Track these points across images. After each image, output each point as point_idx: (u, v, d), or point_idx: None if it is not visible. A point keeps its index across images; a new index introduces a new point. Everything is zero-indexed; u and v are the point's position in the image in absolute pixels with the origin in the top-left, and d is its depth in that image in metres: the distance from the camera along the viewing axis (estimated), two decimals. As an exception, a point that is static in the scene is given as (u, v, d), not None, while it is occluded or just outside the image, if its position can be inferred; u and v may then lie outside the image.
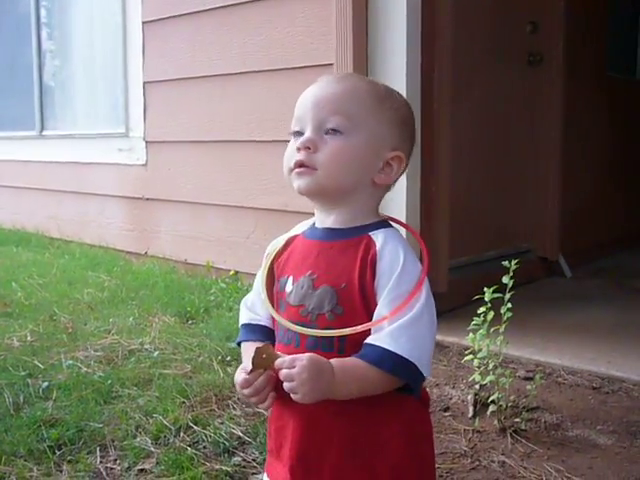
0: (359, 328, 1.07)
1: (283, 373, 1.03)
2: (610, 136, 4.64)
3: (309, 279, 1.13)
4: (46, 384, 2.33)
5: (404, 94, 2.97)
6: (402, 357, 1.05)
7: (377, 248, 1.10)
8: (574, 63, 3.97)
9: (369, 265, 1.09)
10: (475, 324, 2.08)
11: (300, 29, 3.24)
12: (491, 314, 2.05)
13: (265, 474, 1.24)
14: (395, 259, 1.09)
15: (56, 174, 5.02)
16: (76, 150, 4.84)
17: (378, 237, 1.12)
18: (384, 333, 1.06)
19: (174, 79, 3.99)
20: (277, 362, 1.04)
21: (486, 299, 2.05)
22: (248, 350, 1.18)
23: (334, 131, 1.11)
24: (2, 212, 5.58)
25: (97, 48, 4.85)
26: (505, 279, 2.03)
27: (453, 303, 3.09)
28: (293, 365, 1.02)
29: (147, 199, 4.23)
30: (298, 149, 1.13)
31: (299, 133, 1.14)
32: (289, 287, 1.15)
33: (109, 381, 2.35)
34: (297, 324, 1.11)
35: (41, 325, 2.97)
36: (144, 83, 4.18)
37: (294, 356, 1.03)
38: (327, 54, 3.01)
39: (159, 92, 4.12)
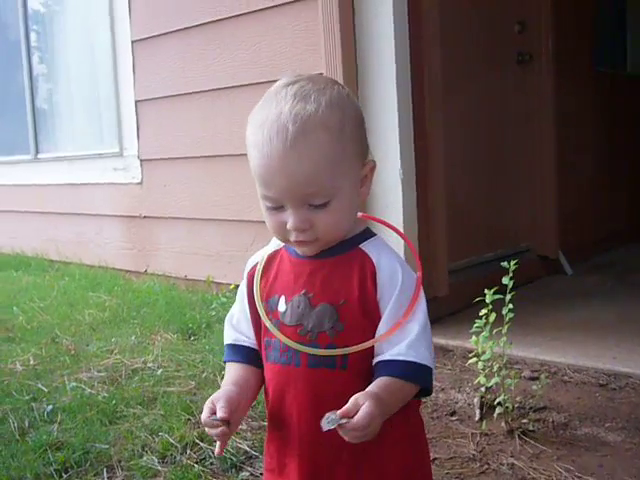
0: (366, 345, 1.07)
1: (356, 436, 0.99)
2: (603, 131, 4.65)
3: (305, 298, 1.11)
4: (50, 407, 2.32)
5: (395, 100, 2.96)
6: (425, 365, 1.08)
7: (374, 261, 1.10)
8: (563, 60, 3.99)
9: (369, 279, 1.09)
10: (477, 326, 2.07)
11: (288, 41, 3.24)
12: (493, 316, 2.04)
13: None
14: (394, 272, 1.09)
15: (53, 196, 5.02)
16: (72, 171, 4.84)
17: (370, 250, 1.12)
18: (404, 346, 1.07)
19: (166, 96, 3.99)
20: (349, 426, 0.98)
21: (487, 301, 2.04)
22: (230, 372, 1.19)
23: (321, 205, 1.07)
24: (0, 237, 5.57)
25: (88, 69, 4.86)
26: (505, 280, 2.02)
27: (455, 306, 3.09)
28: (369, 425, 0.99)
29: (144, 217, 4.23)
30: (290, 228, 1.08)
31: (279, 207, 1.09)
32: (282, 307, 1.13)
33: (113, 401, 2.34)
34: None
35: (43, 348, 2.96)
36: (136, 102, 4.18)
37: (368, 415, 0.98)
38: (316, 65, 3.02)
39: (151, 110, 4.13)
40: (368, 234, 1.16)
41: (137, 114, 4.19)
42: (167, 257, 4.11)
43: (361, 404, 0.99)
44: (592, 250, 4.34)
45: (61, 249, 4.90)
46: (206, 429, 1.11)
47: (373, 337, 1.08)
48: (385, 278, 1.09)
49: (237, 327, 1.22)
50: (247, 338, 1.20)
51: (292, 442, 1.13)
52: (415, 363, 1.07)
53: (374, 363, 1.09)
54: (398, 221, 2.85)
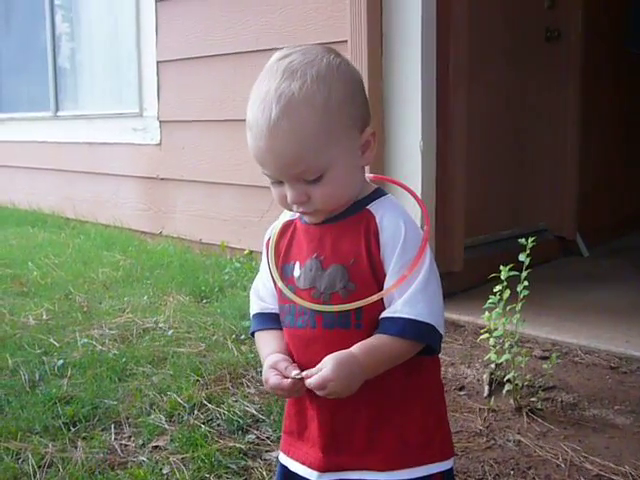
0: (374, 297, 1.08)
1: (320, 394, 1.06)
2: (628, 114, 4.57)
3: (316, 261, 1.13)
4: (61, 362, 2.34)
5: (419, 73, 2.89)
6: (422, 322, 1.08)
7: (377, 220, 1.11)
8: (592, 39, 3.90)
9: (373, 237, 1.10)
10: (491, 302, 2.06)
11: (314, 6, 3.20)
12: (507, 292, 2.02)
13: (282, 454, 1.24)
14: (397, 229, 1.10)
15: (71, 154, 5.02)
16: (91, 130, 4.84)
17: (376, 209, 1.12)
18: (400, 303, 1.08)
19: (187, 58, 3.96)
20: (308, 382, 1.07)
21: (502, 277, 2.02)
22: (266, 339, 1.21)
23: (315, 179, 1.08)
24: (18, 193, 5.60)
25: (110, 29, 4.83)
26: (522, 257, 2.00)
27: (468, 282, 3.07)
28: (324, 387, 1.05)
29: (161, 179, 4.22)
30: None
31: (278, 181, 1.11)
32: (297, 272, 1.15)
33: (124, 359, 2.36)
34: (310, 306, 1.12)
35: (56, 304, 2.98)
36: (157, 62, 4.16)
37: (321, 378, 1.05)
38: (341, 31, 2.97)
39: (173, 71, 4.10)
40: (377, 194, 1.16)
41: (158, 75, 4.16)
42: (183, 220, 4.11)
43: (321, 368, 1.05)
44: (609, 234, 4.29)
45: (77, 207, 4.92)
46: (278, 393, 1.14)
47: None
48: (388, 236, 1.10)
49: (263, 298, 1.24)
50: (273, 306, 1.22)
51: (312, 404, 1.15)
52: (409, 319, 1.07)
53: (379, 318, 1.10)
54: (416, 193, 2.82)
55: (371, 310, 1.09)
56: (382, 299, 1.09)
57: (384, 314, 1.09)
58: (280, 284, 1.16)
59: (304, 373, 1.08)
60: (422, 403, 1.15)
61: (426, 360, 1.15)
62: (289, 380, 1.09)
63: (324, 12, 3.15)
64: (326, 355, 1.08)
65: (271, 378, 1.11)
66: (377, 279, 1.10)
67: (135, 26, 4.31)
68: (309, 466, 1.18)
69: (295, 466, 1.20)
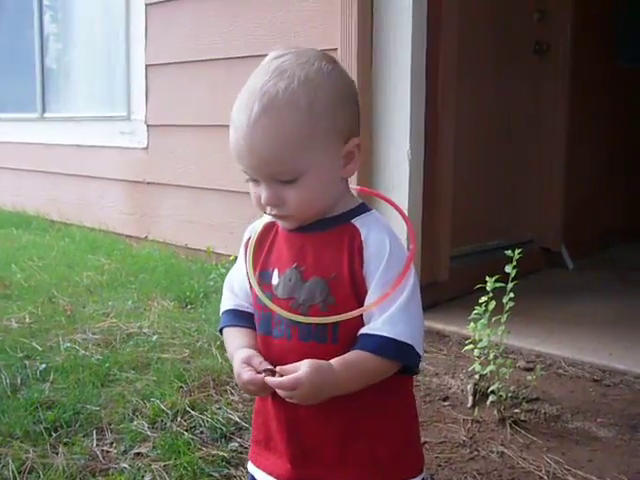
0: (354, 313, 1.07)
1: (284, 395, 1.04)
2: (615, 126, 4.61)
3: (296, 271, 1.11)
4: (44, 366, 2.32)
5: (408, 80, 2.90)
6: (401, 342, 1.06)
7: (362, 236, 1.09)
8: (581, 52, 3.93)
9: (356, 253, 1.08)
10: (477, 313, 2.06)
11: (305, 13, 3.20)
12: (493, 304, 2.03)
13: (250, 463, 1.22)
14: (382, 246, 1.08)
15: (57, 156, 4.99)
16: (77, 133, 4.81)
17: (362, 224, 1.11)
18: (380, 321, 1.06)
19: (177, 62, 3.95)
20: (274, 383, 1.04)
21: (488, 288, 2.03)
22: (236, 335, 1.18)
23: (288, 181, 1.07)
24: (3, 194, 5.56)
25: (100, 31, 4.81)
26: (508, 268, 2.01)
27: (453, 292, 3.08)
28: (293, 388, 1.02)
29: (148, 183, 4.20)
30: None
31: (255, 180, 1.11)
32: (275, 280, 1.13)
33: (107, 364, 2.34)
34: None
35: (40, 307, 2.95)
36: (146, 66, 4.15)
37: (294, 379, 1.02)
38: (332, 39, 2.97)
39: (161, 75, 4.09)
40: (362, 209, 1.14)
41: (147, 78, 4.15)
42: (168, 224, 4.09)
43: (298, 369, 1.02)
44: (594, 246, 4.32)
45: (62, 210, 4.89)
46: (249, 389, 1.10)
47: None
48: (372, 253, 1.08)
49: (236, 293, 1.22)
50: (247, 304, 1.20)
51: (279, 416, 1.13)
52: (387, 338, 1.05)
53: (357, 334, 1.08)
54: (403, 202, 2.83)
55: (348, 325, 1.07)
56: (362, 315, 1.08)
57: (363, 330, 1.07)
58: (258, 291, 1.13)
59: (278, 368, 1.05)
60: (394, 419, 1.14)
61: (405, 383, 1.14)
62: (262, 375, 1.06)
63: (315, 19, 3.16)
64: None
65: (244, 373, 1.08)
66: (358, 295, 1.08)
67: (124, 29, 4.30)
68: (276, 477, 1.16)
69: (262, 476, 1.19)
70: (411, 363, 1.09)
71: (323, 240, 1.12)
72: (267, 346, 1.14)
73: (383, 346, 1.05)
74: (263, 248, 1.17)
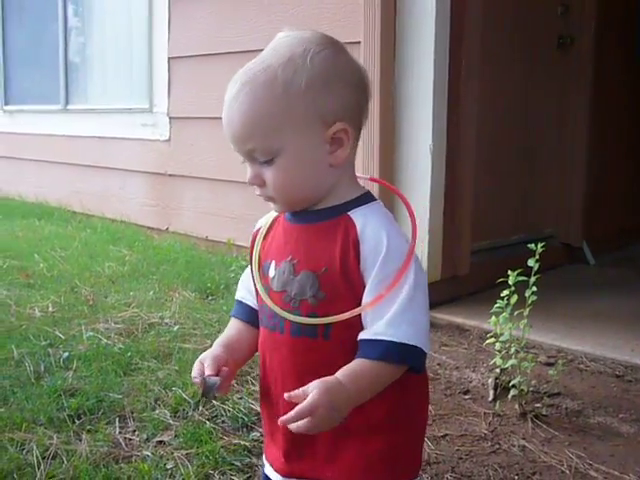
0: (346, 315, 1.04)
1: (300, 428, 0.98)
2: (636, 124, 4.56)
3: (290, 264, 1.10)
4: (67, 354, 2.35)
5: (431, 76, 2.87)
6: (407, 344, 1.03)
7: (358, 230, 1.05)
8: (605, 46, 3.90)
9: (351, 248, 1.05)
10: (499, 307, 2.05)
11: (328, 6, 3.20)
12: (515, 297, 2.02)
13: (264, 455, 1.24)
14: (379, 240, 1.04)
15: (80, 148, 5.03)
16: (100, 125, 4.85)
17: (358, 217, 1.07)
18: (383, 324, 1.03)
19: (199, 55, 3.97)
20: (282, 419, 0.99)
21: (510, 282, 2.02)
22: (229, 327, 1.23)
23: (265, 162, 1.07)
24: (26, 185, 5.61)
25: (123, 23, 4.84)
26: (531, 262, 2.00)
27: (474, 286, 3.07)
28: (311, 413, 0.98)
29: (169, 175, 4.23)
30: None
31: (244, 160, 1.12)
32: (272, 272, 1.13)
33: (129, 353, 2.36)
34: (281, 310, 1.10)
35: (62, 296, 2.98)
36: (169, 58, 4.16)
37: (309, 405, 0.97)
38: (355, 32, 2.97)
39: (184, 68, 4.10)
40: (364, 200, 1.11)
41: (169, 71, 4.17)
42: (189, 216, 4.11)
43: (306, 392, 0.99)
44: (615, 242, 4.28)
45: (84, 201, 4.93)
46: (195, 381, 1.13)
47: (356, 307, 1.05)
48: (369, 248, 1.04)
49: (246, 285, 1.24)
50: (252, 297, 1.21)
51: (277, 409, 1.13)
52: (391, 343, 1.02)
53: (358, 339, 1.06)
54: (425, 195, 2.83)
55: (341, 322, 1.05)
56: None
57: (365, 336, 1.04)
58: (258, 284, 1.14)
59: (286, 396, 1.01)
60: (389, 418, 1.10)
61: (408, 381, 1.09)
62: (199, 380, 1.09)
63: (338, 12, 3.15)
64: (292, 361, 1.08)
65: (193, 371, 1.12)
66: (353, 290, 1.05)
67: (147, 22, 4.32)
68: (275, 469, 1.18)
69: (267, 466, 1.20)
70: (417, 364, 1.07)
71: (316, 231, 1.10)
72: (266, 338, 1.14)
73: (387, 352, 1.02)
74: (267, 240, 1.18)
